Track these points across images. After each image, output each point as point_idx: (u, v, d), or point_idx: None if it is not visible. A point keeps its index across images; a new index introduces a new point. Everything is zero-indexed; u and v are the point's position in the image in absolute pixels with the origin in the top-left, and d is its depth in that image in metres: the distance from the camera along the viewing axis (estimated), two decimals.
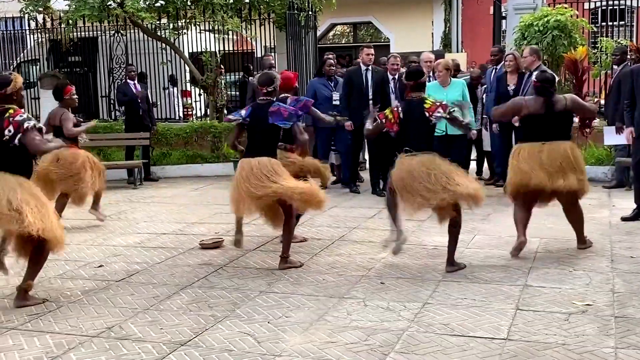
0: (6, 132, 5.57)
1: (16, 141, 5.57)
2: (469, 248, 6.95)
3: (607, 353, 4.36)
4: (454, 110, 6.27)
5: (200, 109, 15.87)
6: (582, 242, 6.90)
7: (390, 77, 10.06)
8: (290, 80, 7.60)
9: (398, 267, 6.33)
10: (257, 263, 6.67)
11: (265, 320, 5.09)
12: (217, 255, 6.96)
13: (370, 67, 9.96)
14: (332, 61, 10.58)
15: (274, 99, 6.58)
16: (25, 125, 5.56)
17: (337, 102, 10.19)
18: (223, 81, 14.13)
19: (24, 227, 5.37)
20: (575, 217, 6.90)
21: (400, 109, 6.35)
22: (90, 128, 8.91)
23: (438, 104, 6.24)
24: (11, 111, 5.65)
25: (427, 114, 6.17)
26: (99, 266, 6.64)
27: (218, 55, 14.39)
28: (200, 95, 15.41)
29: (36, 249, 5.66)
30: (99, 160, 8.63)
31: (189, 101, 15.47)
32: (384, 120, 6.38)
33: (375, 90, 9.86)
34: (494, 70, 10.20)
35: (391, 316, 5.10)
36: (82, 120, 8.93)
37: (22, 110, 5.74)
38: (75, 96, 8.58)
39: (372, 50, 10.10)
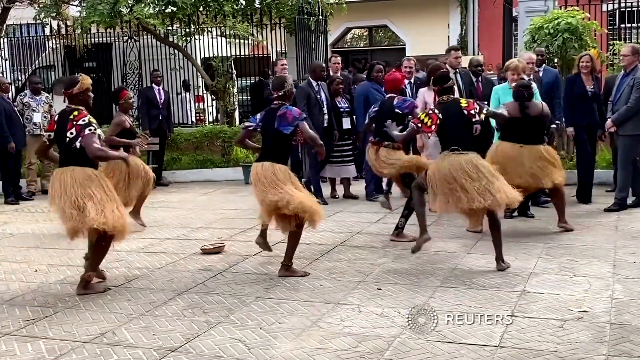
0: (68, 133, 5.86)
1: (77, 144, 5.82)
2: (471, 253, 6.89)
3: None
4: (486, 111, 6.64)
5: (212, 114, 15.92)
6: (564, 222, 7.65)
7: (406, 81, 9.73)
8: (397, 81, 7.94)
9: (396, 273, 6.29)
10: (256, 268, 6.66)
11: (257, 326, 5.08)
12: (218, 261, 6.96)
13: (458, 70, 9.68)
14: (380, 66, 10.15)
15: (286, 103, 6.47)
16: (86, 131, 5.80)
17: None
18: (232, 86, 14.12)
19: (84, 223, 5.73)
20: (560, 201, 7.70)
21: (437, 111, 6.47)
22: (135, 144, 8.84)
23: (472, 101, 6.61)
24: (75, 113, 5.90)
25: (465, 112, 6.39)
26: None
27: (230, 60, 14.43)
28: (213, 100, 15.47)
29: (99, 240, 5.95)
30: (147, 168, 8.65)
31: (201, 106, 15.54)
32: (419, 125, 6.54)
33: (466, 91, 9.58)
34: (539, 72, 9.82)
35: (384, 322, 5.07)
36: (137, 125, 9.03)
37: (86, 113, 5.91)
38: (132, 99, 8.82)
39: (459, 53, 9.89)
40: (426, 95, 8.83)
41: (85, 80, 6.03)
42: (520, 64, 8.26)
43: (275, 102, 6.48)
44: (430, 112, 6.54)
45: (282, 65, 11.23)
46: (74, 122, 5.84)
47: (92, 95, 6.11)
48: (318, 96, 9.87)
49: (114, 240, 6.01)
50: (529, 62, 8.97)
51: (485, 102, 7.91)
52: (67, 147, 5.91)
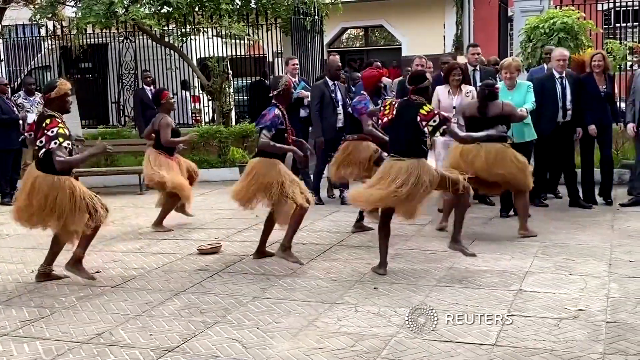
0: (38, 142, 5.98)
1: (44, 151, 5.94)
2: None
3: (595, 359, 4.31)
4: (442, 129, 6.14)
5: (208, 114, 15.91)
6: (524, 229, 7.47)
7: None
8: (373, 77, 7.68)
9: (393, 272, 6.30)
10: (253, 268, 6.67)
11: (254, 326, 5.09)
12: (214, 261, 6.96)
13: (478, 68, 9.47)
14: (378, 64, 9.57)
15: (276, 103, 6.62)
16: (52, 144, 5.89)
17: None
18: (228, 87, 14.12)
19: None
20: (522, 204, 7.52)
21: (396, 106, 6.27)
22: (190, 139, 9.04)
23: (436, 112, 6.17)
24: (48, 121, 5.97)
25: (418, 118, 6.05)
26: (96, 272, 6.65)
27: (226, 61, 14.42)
28: (209, 100, 15.47)
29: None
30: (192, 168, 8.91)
31: (197, 107, 15.53)
32: (380, 108, 6.41)
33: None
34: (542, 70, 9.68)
35: (381, 322, 5.08)
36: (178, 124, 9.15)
37: (58, 122, 5.98)
38: (173, 100, 8.88)
39: (478, 49, 9.71)
40: (440, 94, 8.48)
41: (63, 86, 6.06)
42: (514, 63, 8.22)
43: (272, 101, 6.65)
44: (394, 103, 6.32)
45: (294, 65, 11.11)
46: (45, 131, 5.94)
47: (70, 100, 6.20)
48: (333, 95, 9.72)
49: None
50: (560, 58, 8.67)
51: None
52: (37, 152, 6.04)
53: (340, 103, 9.75)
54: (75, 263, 6.31)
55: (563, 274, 6.09)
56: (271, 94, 6.65)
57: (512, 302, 5.40)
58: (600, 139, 8.91)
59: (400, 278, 6.14)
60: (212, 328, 5.09)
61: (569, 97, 8.67)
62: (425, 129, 6.06)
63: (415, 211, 6.14)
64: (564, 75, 8.70)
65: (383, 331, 4.90)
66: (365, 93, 7.69)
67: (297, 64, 11.31)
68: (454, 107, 8.21)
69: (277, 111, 6.55)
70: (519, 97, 8.06)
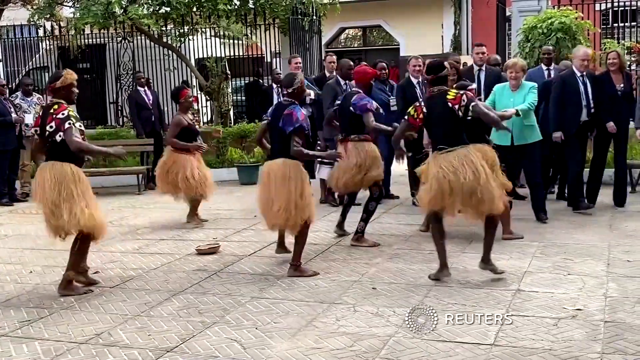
0: (48, 127, 5.86)
1: (57, 137, 5.82)
2: (465, 252, 6.90)
3: (593, 358, 4.33)
4: (475, 105, 5.85)
5: (206, 115, 15.92)
6: (508, 232, 7.26)
7: (415, 80, 9.45)
8: (366, 74, 7.44)
9: (391, 272, 6.30)
10: (251, 269, 6.67)
11: (253, 326, 5.09)
12: (213, 261, 6.96)
13: (484, 67, 9.38)
14: (384, 64, 9.87)
15: (294, 101, 6.37)
16: (65, 125, 5.79)
17: (395, 108, 9.37)
18: (226, 87, 14.13)
19: (60, 224, 5.87)
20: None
21: (423, 104, 6.08)
22: (196, 147, 8.91)
23: (462, 93, 5.92)
24: (56, 107, 5.92)
25: (450, 105, 5.80)
26: (95, 272, 6.65)
27: (224, 61, 14.43)
28: (207, 100, 15.47)
29: (76, 240, 6.01)
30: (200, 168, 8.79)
31: (196, 107, 15.51)
32: (406, 117, 6.15)
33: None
34: (548, 71, 9.65)
35: (380, 322, 5.09)
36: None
37: (66, 106, 5.92)
38: (191, 98, 8.90)
39: (483, 49, 9.60)
40: None
41: (69, 75, 6.02)
42: (519, 63, 8.00)
43: (285, 99, 6.45)
44: (417, 104, 6.14)
45: (297, 63, 11.06)
46: (54, 116, 5.86)
47: (76, 91, 6.11)
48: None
49: (92, 239, 6.06)
50: (584, 58, 8.45)
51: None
52: (48, 141, 5.94)
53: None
54: (68, 284, 6.06)
55: (561, 273, 6.10)
56: (285, 92, 6.46)
57: (510, 302, 5.40)
58: (617, 137, 8.58)
59: (399, 278, 6.15)
60: (211, 328, 5.09)
61: (591, 95, 8.45)
62: (459, 112, 5.79)
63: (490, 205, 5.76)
64: (585, 74, 8.48)
65: (382, 331, 4.90)
66: (360, 90, 7.41)
67: (300, 63, 11.28)
68: None
69: (304, 111, 6.38)
70: (520, 99, 7.84)
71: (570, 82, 8.49)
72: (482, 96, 8.78)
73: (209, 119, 15.78)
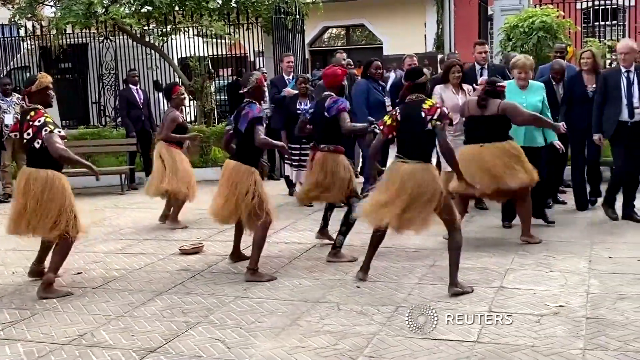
0: (25, 134, 5.85)
1: (35, 144, 5.80)
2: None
3: (575, 354, 4.36)
4: (442, 126, 5.57)
5: (190, 114, 15.85)
6: (528, 235, 7.12)
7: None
8: (336, 76, 6.99)
9: (376, 270, 6.30)
10: (235, 268, 6.66)
11: (237, 326, 5.09)
12: (196, 261, 6.95)
13: (486, 66, 9.27)
14: (378, 63, 9.53)
15: (252, 101, 6.37)
16: (42, 132, 5.78)
17: (390, 108, 8.96)
18: (209, 86, 14.08)
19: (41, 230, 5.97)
20: (525, 210, 7.16)
21: (398, 111, 5.82)
22: (193, 138, 9.03)
23: (439, 106, 5.68)
24: (32, 113, 5.91)
25: (423, 114, 5.54)
26: (77, 273, 6.63)
27: (207, 60, 14.39)
28: (190, 100, 15.40)
29: (59, 242, 6.01)
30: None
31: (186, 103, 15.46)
32: (381, 127, 5.87)
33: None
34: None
35: (364, 320, 5.10)
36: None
37: (43, 112, 5.90)
38: (183, 95, 8.88)
39: (485, 47, 9.50)
40: (443, 93, 8.11)
41: (44, 79, 6.01)
42: (529, 62, 7.59)
43: (245, 100, 6.44)
44: (394, 112, 5.87)
45: (289, 62, 11.04)
46: (30, 123, 5.85)
47: (52, 94, 6.10)
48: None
49: (71, 240, 6.04)
50: (623, 51, 7.77)
51: None
52: (27, 147, 5.93)
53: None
54: (47, 287, 5.99)
55: (544, 270, 6.14)
56: (241, 92, 6.46)
57: (493, 299, 5.43)
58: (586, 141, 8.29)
59: (382, 276, 6.16)
60: (195, 328, 5.08)
61: (636, 93, 7.69)
62: (429, 125, 5.53)
63: (422, 224, 5.67)
64: (631, 69, 7.71)
65: (365, 329, 4.92)
66: (332, 93, 6.97)
67: (292, 61, 11.22)
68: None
69: (259, 106, 6.35)
70: (533, 98, 7.47)
71: (611, 79, 7.88)
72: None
73: (192, 118, 15.71)
